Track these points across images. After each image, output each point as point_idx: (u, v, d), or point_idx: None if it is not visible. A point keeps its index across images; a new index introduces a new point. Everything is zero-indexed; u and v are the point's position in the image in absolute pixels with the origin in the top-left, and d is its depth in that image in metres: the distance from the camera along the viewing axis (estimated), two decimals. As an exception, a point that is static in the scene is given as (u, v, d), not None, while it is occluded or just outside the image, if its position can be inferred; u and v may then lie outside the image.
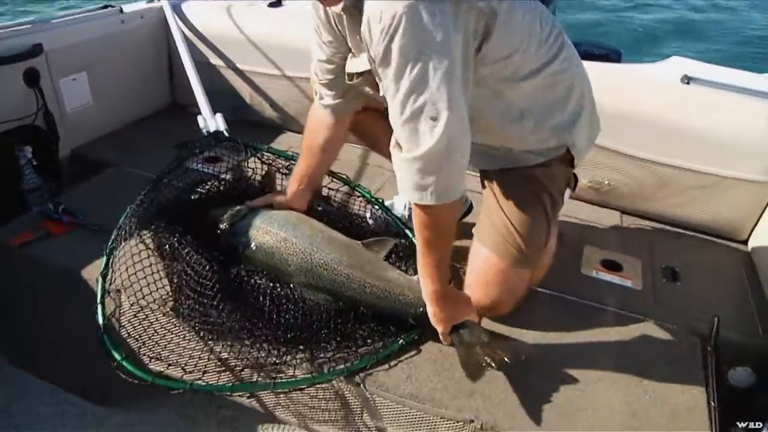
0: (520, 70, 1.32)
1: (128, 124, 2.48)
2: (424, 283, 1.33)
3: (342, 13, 1.28)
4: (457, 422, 1.30)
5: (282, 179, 1.86)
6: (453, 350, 1.44)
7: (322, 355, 1.38)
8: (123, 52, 2.40)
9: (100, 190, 2.00)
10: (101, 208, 1.82)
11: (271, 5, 2.67)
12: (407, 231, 1.76)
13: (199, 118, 1.94)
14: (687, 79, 2.14)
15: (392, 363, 1.40)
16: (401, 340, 1.44)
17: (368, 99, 1.55)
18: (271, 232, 1.49)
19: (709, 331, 1.52)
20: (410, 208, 1.84)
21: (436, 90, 1.09)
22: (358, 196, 1.88)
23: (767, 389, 1.56)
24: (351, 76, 1.44)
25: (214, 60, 2.51)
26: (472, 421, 1.29)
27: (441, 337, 1.39)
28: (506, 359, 1.30)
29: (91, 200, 1.90)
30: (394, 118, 1.16)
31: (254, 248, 1.49)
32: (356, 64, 1.40)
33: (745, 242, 2.09)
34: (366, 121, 1.69)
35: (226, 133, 1.88)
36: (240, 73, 2.53)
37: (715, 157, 1.99)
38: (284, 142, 2.46)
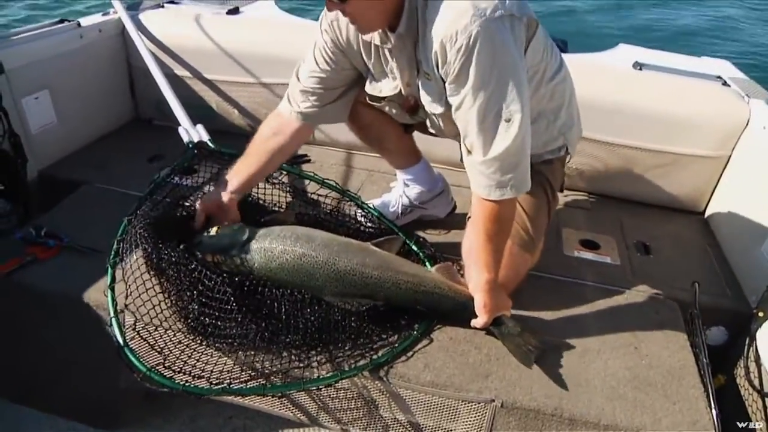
0: (544, 76, 1.48)
1: (93, 141, 2.41)
2: (479, 273, 1.41)
3: (388, 41, 1.38)
4: (479, 403, 1.37)
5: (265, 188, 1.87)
6: (462, 337, 1.52)
7: (341, 354, 1.41)
8: (83, 68, 2.32)
9: (78, 209, 1.94)
10: (84, 228, 1.79)
11: (229, 13, 2.66)
12: (399, 233, 1.80)
13: (180, 130, 1.92)
14: (639, 66, 2.31)
15: (408, 355, 1.45)
16: (415, 332, 1.49)
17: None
18: (288, 250, 1.47)
19: (692, 297, 1.67)
20: (403, 205, 1.91)
21: (509, 95, 1.25)
22: (347, 201, 1.90)
23: (738, 344, 1.71)
24: (373, 98, 1.56)
25: (178, 71, 2.47)
26: (493, 400, 1.36)
27: (477, 324, 1.45)
28: (540, 346, 1.45)
29: (71, 221, 1.84)
30: (471, 126, 1.30)
31: (276, 271, 1.47)
32: (381, 87, 1.53)
33: (703, 213, 2.27)
34: (375, 122, 1.75)
35: (210, 144, 1.87)
36: (205, 82, 2.50)
37: (672, 136, 2.15)
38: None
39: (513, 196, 1.34)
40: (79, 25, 2.29)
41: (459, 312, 1.48)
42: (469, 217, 1.70)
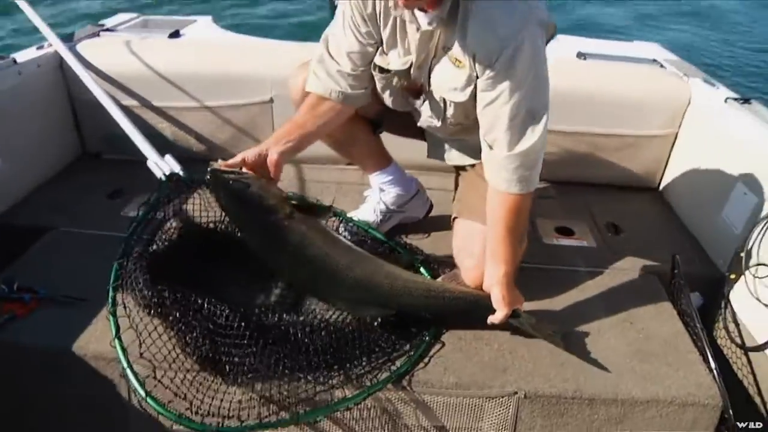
0: None
1: (44, 182, 2.26)
2: (496, 268, 1.45)
3: (415, 20, 1.38)
4: (503, 398, 1.41)
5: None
6: (473, 336, 1.55)
7: (361, 371, 1.41)
8: (25, 106, 2.17)
9: (47, 257, 1.82)
10: (58, 277, 1.68)
11: (170, 36, 2.58)
12: (389, 243, 1.81)
13: (149, 164, 1.83)
14: (583, 56, 2.43)
15: (425, 361, 1.46)
16: (427, 337, 1.51)
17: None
18: (318, 246, 1.49)
19: (668, 268, 1.78)
20: (381, 212, 1.92)
21: (541, 96, 1.35)
22: (330, 218, 1.87)
23: (713, 306, 1.85)
24: (382, 69, 1.54)
25: (126, 101, 2.35)
26: (516, 393, 1.41)
27: (496, 318, 1.48)
28: (559, 331, 1.53)
29: (42, 271, 1.73)
30: (500, 122, 1.36)
31: (305, 262, 1.49)
32: (391, 60, 1.52)
33: (657, 188, 2.43)
34: (344, 123, 1.69)
35: (182, 174, 1.79)
36: (156, 110, 2.40)
37: (624, 120, 2.28)
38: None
39: (529, 191, 1.41)
40: (15, 61, 2.14)
41: (473, 310, 1.52)
42: (455, 218, 1.74)
